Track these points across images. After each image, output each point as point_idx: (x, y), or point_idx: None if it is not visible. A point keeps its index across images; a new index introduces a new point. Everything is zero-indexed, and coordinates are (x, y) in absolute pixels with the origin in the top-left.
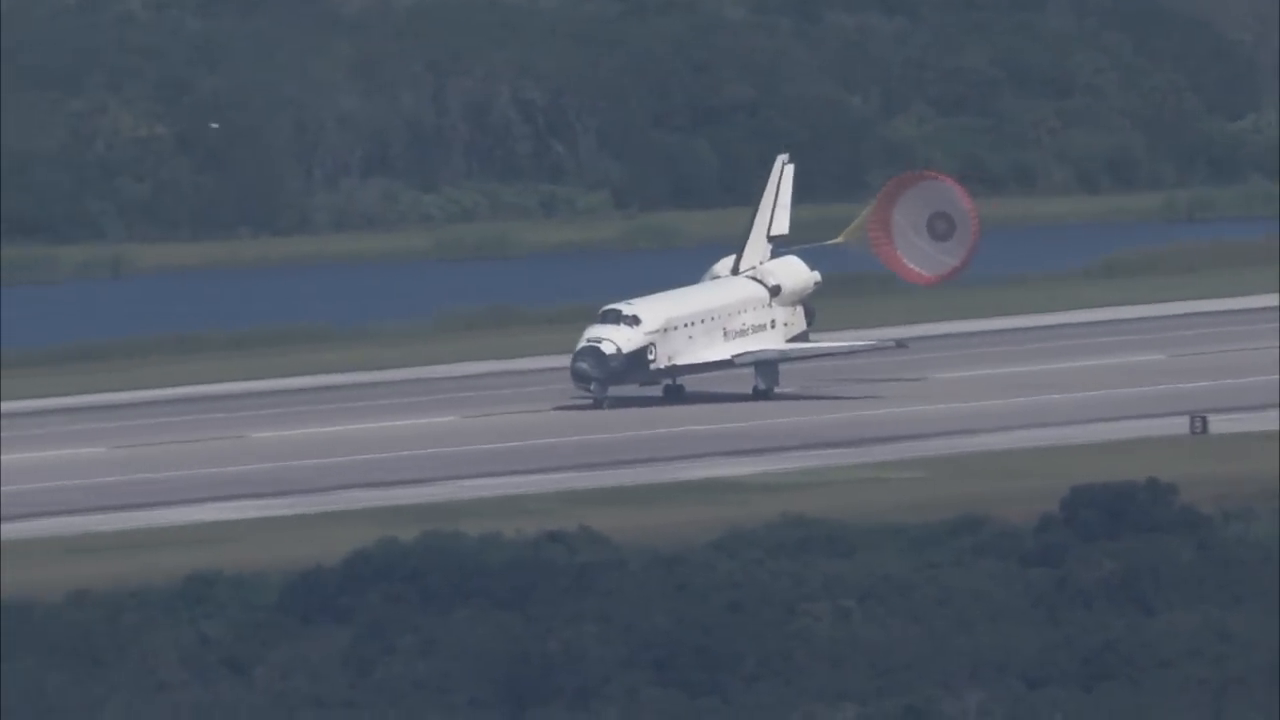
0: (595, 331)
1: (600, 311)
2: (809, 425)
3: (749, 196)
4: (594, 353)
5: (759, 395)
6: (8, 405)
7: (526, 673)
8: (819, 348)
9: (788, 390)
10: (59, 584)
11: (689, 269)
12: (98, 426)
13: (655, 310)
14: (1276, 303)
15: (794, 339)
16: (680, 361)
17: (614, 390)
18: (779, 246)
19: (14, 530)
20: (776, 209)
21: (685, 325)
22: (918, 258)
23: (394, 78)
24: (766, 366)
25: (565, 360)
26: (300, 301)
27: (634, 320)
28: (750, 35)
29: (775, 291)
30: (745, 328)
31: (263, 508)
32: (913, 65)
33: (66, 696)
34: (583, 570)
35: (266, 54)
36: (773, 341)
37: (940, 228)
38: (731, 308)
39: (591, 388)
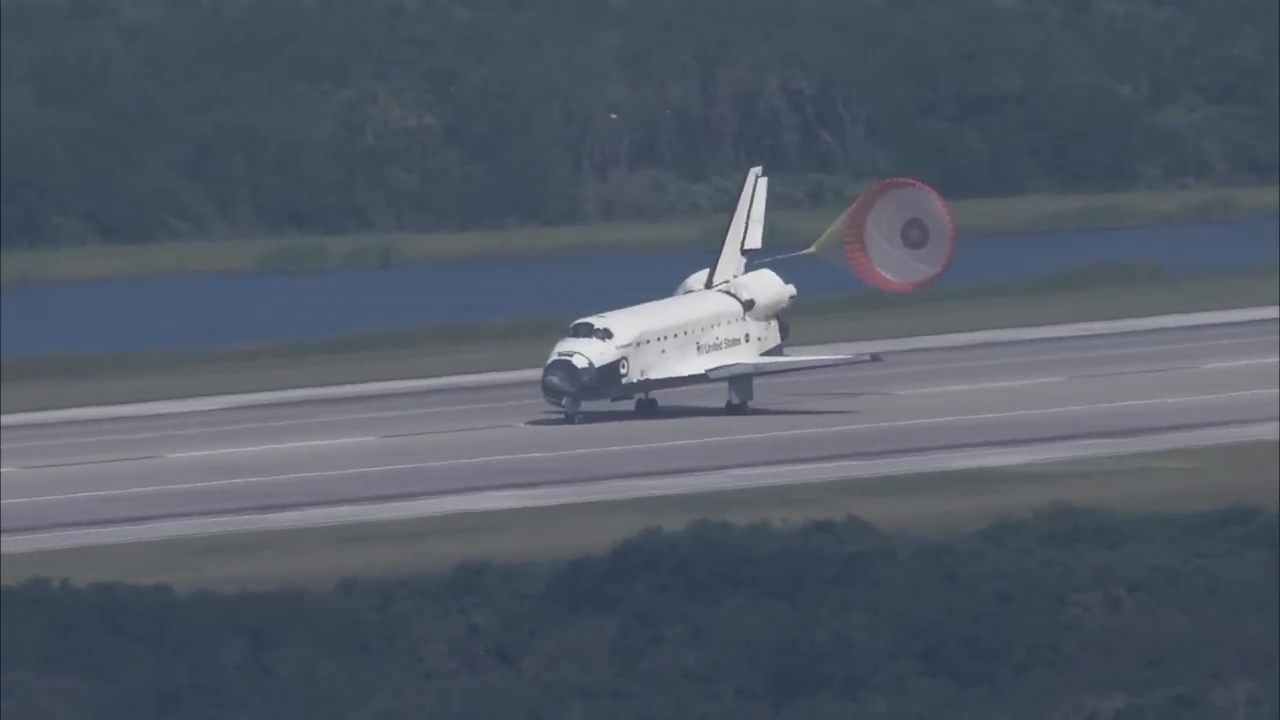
0: (566, 345)
1: (571, 325)
2: (1084, 415)
3: (1019, 186)
4: (565, 367)
5: (732, 410)
6: (278, 395)
7: (794, 662)
8: (793, 362)
9: (761, 405)
10: (329, 573)
11: (960, 259)
12: (367, 416)
13: (627, 324)
14: None
15: (768, 353)
16: (653, 376)
17: (586, 405)
18: (752, 260)
19: (285, 520)
20: (750, 222)
21: (658, 339)
22: (892, 266)
23: (662, 68)
24: (740, 381)
25: (830, 353)
26: (568, 291)
27: (606, 334)
28: (1019, 24)
29: (749, 305)
30: (719, 342)
31: (531, 497)
32: (1182, 54)
33: (337, 685)
34: (851, 560)
35: (535, 44)
36: (746, 356)
37: (915, 235)
38: (705, 321)
39: (563, 402)
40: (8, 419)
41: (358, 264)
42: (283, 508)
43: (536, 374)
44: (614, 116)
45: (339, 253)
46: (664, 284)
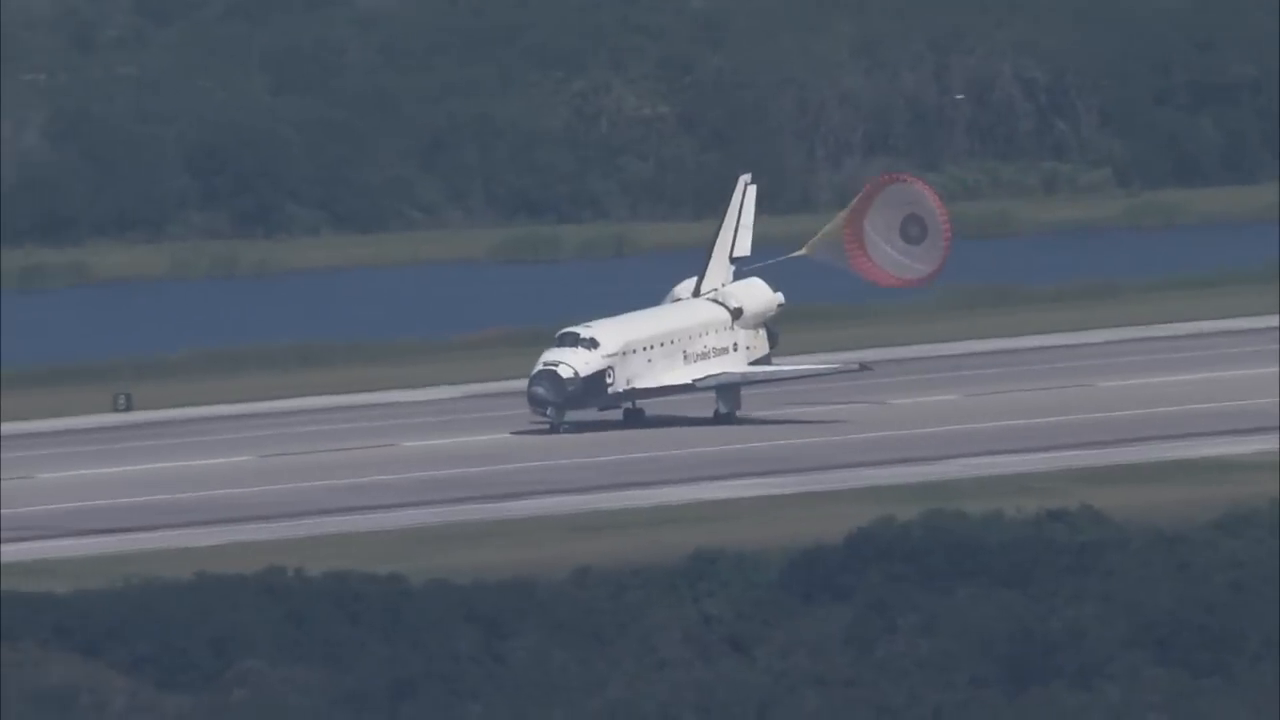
0: (552, 355)
1: (557, 334)
2: None
3: (1254, 175)
4: (551, 377)
5: (720, 419)
6: (512, 384)
7: (1028, 652)
8: (782, 371)
9: (750, 414)
10: (563, 562)
11: (1192, 248)
12: None
13: (613, 333)
14: None
15: (756, 362)
16: (639, 385)
17: (572, 415)
18: (741, 267)
19: (519, 508)
20: (739, 230)
21: (644, 348)
22: (889, 264)
23: (895, 56)
24: (728, 390)
25: (1068, 340)
26: (799, 280)
27: (592, 343)
28: (1254, 12)
29: (737, 314)
30: (706, 350)
31: (764, 486)
32: None
33: (570, 674)
34: (1084, 549)
35: (769, 33)
36: (734, 365)
37: (913, 231)
38: (692, 330)
39: (548, 412)
40: (245, 408)
41: (591, 253)
42: (516, 496)
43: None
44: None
45: (572, 242)
46: None
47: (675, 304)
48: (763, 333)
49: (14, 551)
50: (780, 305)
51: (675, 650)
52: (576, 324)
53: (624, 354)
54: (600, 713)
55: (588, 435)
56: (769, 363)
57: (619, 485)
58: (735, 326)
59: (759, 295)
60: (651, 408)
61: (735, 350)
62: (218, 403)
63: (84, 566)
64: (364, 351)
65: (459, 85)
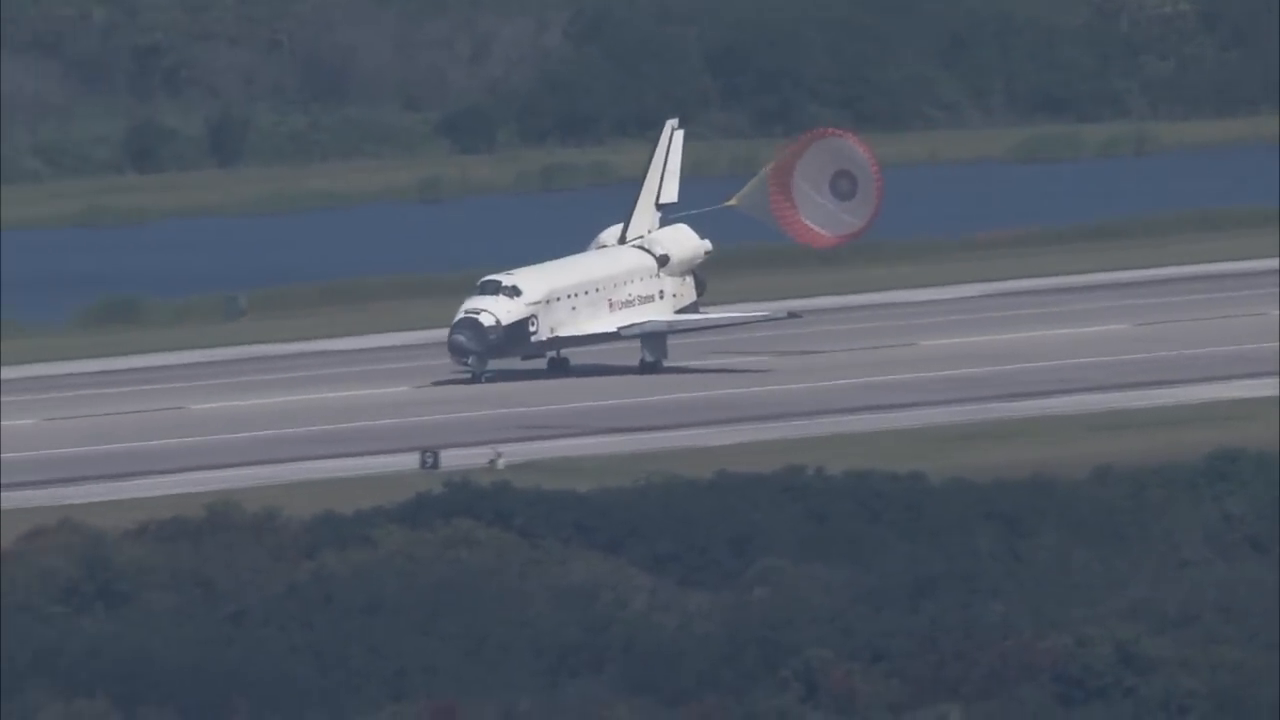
0: (473, 303)
1: (478, 282)
2: None
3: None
4: (472, 325)
5: (646, 368)
6: (1031, 282)
7: None
8: (709, 319)
9: (676, 363)
10: (1082, 461)
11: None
12: (1120, 304)
13: (536, 281)
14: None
15: (683, 310)
16: (563, 334)
17: (494, 364)
18: (668, 214)
19: (1038, 407)
20: (665, 175)
21: (568, 296)
22: (820, 218)
23: None
24: (654, 339)
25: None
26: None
27: (514, 291)
28: None
29: (663, 261)
30: (632, 298)
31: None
32: None
33: (1091, 573)
34: None
35: None
36: (660, 313)
37: (844, 186)
38: (617, 278)
39: (469, 361)
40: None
41: (1111, 152)
42: (1036, 395)
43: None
44: None
45: (1093, 141)
46: None
47: (600, 251)
48: (690, 280)
49: (540, 450)
50: (708, 252)
51: (1196, 550)
52: (499, 272)
53: (547, 302)
54: (1122, 612)
55: (1092, 329)
56: (696, 311)
57: (1139, 384)
58: (661, 274)
59: (686, 242)
60: (576, 356)
61: (661, 298)
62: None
63: (607, 465)
64: (883, 250)
65: None
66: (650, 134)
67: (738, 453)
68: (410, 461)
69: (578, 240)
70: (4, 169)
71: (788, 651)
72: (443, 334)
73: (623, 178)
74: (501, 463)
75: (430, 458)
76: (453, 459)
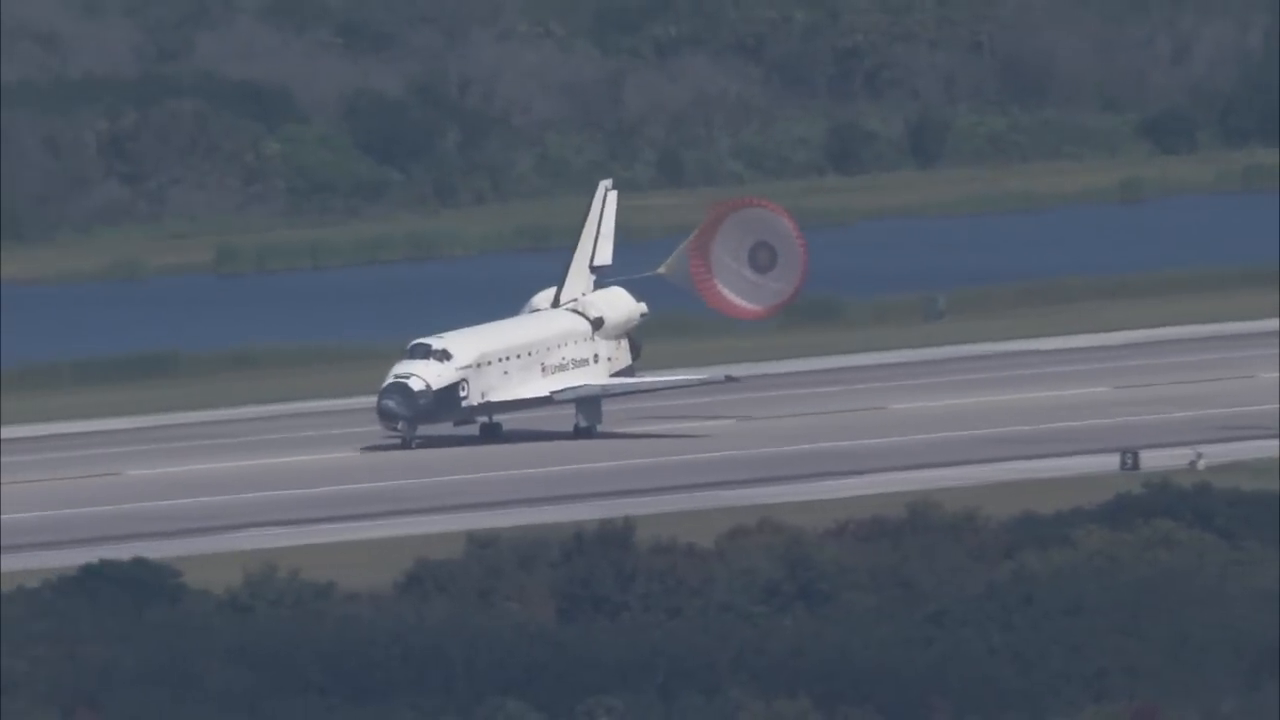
0: (403, 367)
1: (408, 346)
2: None
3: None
4: (401, 390)
5: (580, 434)
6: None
7: None
8: (645, 383)
9: (611, 429)
10: None
11: None
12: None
13: (467, 344)
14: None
15: (618, 374)
16: (495, 398)
17: (425, 430)
18: (602, 277)
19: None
20: (599, 238)
21: (500, 360)
22: (743, 290)
23: None
24: (588, 403)
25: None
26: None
27: (444, 355)
28: None
29: (598, 324)
30: (565, 362)
31: None
32: None
33: None
34: None
35: None
36: (595, 377)
37: (762, 258)
38: (550, 341)
39: (399, 427)
40: None
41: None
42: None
43: None
44: None
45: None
46: None
47: (533, 314)
48: (625, 344)
49: (1241, 450)
50: (643, 315)
51: None
52: (429, 335)
53: (478, 366)
54: None
55: None
56: (632, 375)
57: None
58: (596, 337)
59: (621, 305)
60: (509, 422)
61: (596, 362)
62: None
63: None
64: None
65: None
66: None
67: None
68: (1110, 462)
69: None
70: (706, 171)
71: None
72: (1139, 336)
73: None
74: (1202, 463)
75: (1130, 458)
76: (1152, 459)
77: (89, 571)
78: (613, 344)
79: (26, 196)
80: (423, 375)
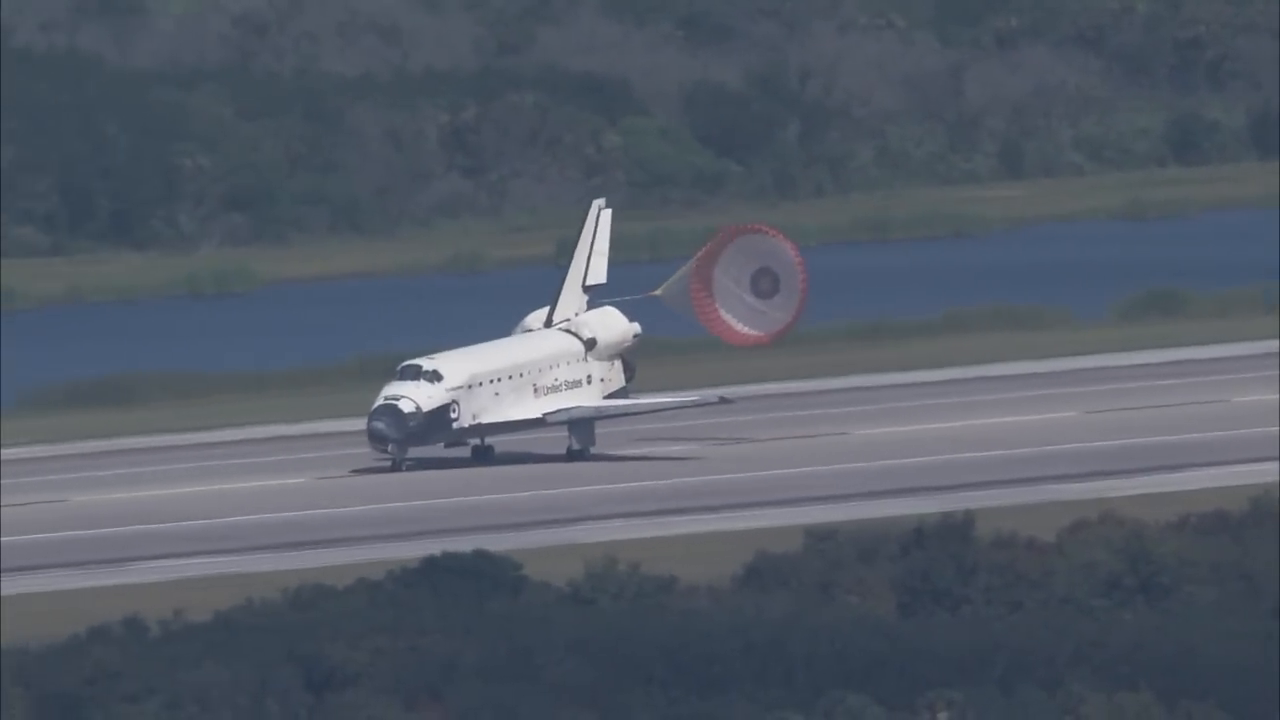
0: (393, 389)
1: (398, 367)
2: None
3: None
4: (391, 411)
5: (573, 456)
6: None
7: None
8: (638, 405)
9: (605, 451)
10: None
11: None
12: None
13: (458, 365)
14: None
15: (611, 395)
16: (486, 420)
17: (415, 452)
18: (595, 297)
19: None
20: (593, 257)
21: (491, 381)
22: (743, 316)
23: None
24: (581, 425)
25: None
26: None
27: (435, 376)
28: None
29: (591, 345)
30: (558, 384)
31: None
32: None
33: None
34: None
35: None
36: (588, 398)
37: (765, 284)
38: (542, 362)
39: (389, 449)
40: None
41: None
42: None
43: None
44: None
45: None
46: None
47: (526, 335)
48: (618, 365)
49: None
50: (637, 336)
51: None
52: (419, 356)
53: (469, 387)
54: None
55: None
56: (625, 396)
57: None
58: (589, 358)
59: (614, 325)
60: (501, 444)
61: (589, 383)
62: None
63: None
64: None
65: None
66: None
67: None
68: None
69: None
70: (1046, 163)
71: None
72: None
73: None
74: None
75: None
76: None
77: (431, 563)
78: (606, 365)
79: (368, 190)
80: (413, 397)
